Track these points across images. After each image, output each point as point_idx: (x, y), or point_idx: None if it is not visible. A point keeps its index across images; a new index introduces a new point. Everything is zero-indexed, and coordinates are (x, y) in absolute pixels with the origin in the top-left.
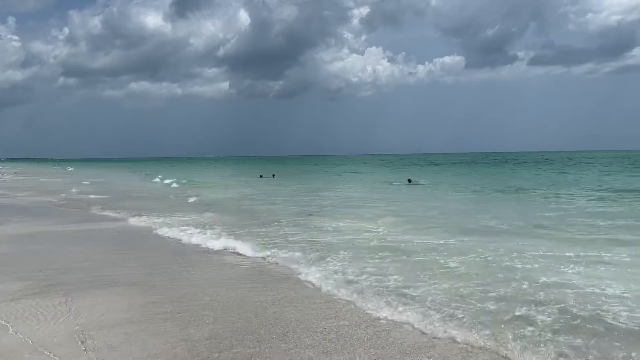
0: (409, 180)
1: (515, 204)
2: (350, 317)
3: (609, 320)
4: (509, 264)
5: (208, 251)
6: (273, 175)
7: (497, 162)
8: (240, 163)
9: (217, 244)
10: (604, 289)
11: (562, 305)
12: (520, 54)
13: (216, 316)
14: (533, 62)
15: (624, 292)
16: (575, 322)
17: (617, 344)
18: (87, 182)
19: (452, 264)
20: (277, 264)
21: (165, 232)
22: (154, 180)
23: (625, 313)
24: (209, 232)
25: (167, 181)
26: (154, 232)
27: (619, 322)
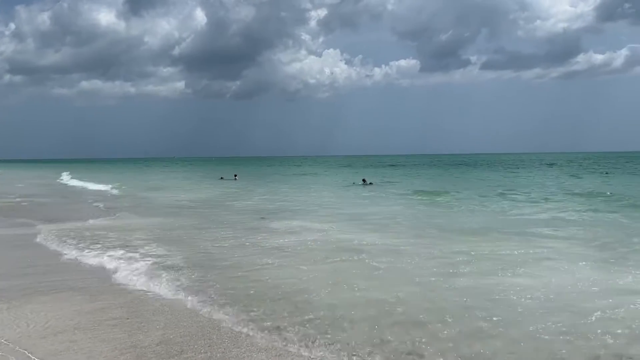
0: (364, 181)
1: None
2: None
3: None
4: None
5: None
6: (235, 177)
7: (451, 164)
8: (196, 164)
9: None
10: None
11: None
12: (473, 59)
13: (167, 321)
14: (485, 66)
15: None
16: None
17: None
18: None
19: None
20: None
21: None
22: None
23: None
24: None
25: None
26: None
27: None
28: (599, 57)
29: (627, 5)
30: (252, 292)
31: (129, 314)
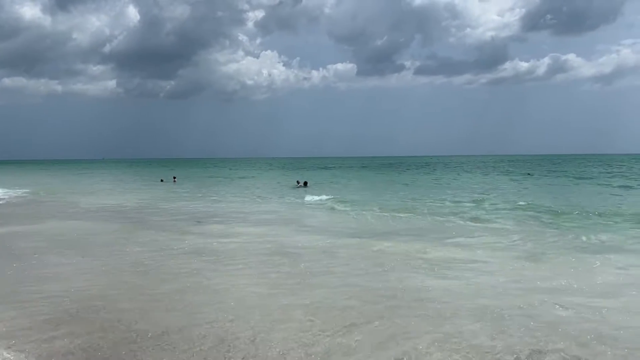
0: (305, 183)
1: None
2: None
3: None
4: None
5: None
6: (174, 179)
7: (383, 166)
8: (128, 166)
9: None
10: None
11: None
12: (407, 64)
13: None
14: (418, 71)
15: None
16: None
17: None
18: None
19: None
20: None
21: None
22: None
23: None
24: None
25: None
26: None
27: None
28: (524, 65)
29: (548, 16)
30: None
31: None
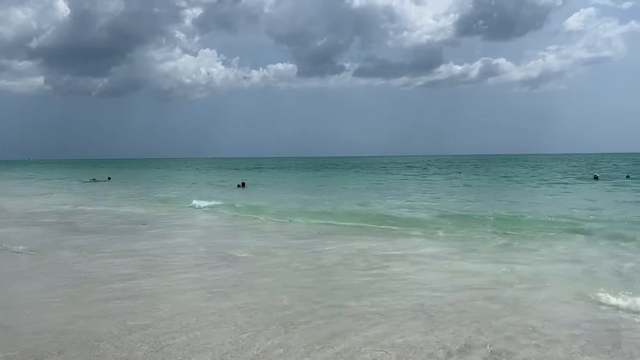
0: (242, 184)
1: None
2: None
3: None
4: None
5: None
6: (108, 179)
7: (320, 167)
8: (58, 166)
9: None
10: None
11: None
12: (347, 65)
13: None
14: (357, 73)
15: None
16: None
17: None
18: None
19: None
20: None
21: None
22: None
23: None
24: None
25: None
26: None
27: None
28: (458, 68)
29: (480, 22)
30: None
31: None
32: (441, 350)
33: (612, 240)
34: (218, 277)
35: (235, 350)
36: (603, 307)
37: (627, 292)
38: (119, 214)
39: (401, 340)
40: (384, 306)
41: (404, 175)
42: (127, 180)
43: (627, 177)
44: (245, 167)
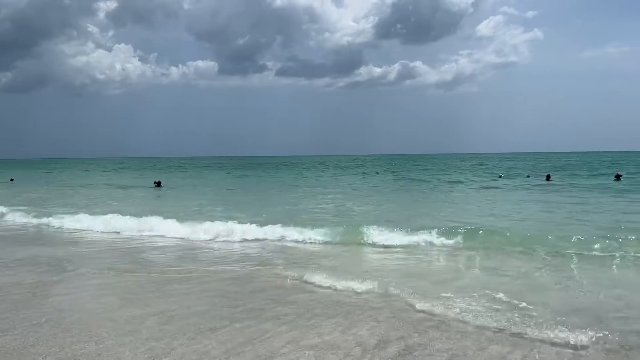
0: (158, 184)
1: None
2: None
3: None
4: None
5: None
6: (11, 180)
7: (237, 167)
8: None
9: None
10: None
11: None
12: (269, 64)
13: None
14: (280, 72)
15: None
16: None
17: None
18: None
19: None
20: None
21: None
22: None
23: None
24: None
25: None
26: None
27: None
28: (377, 70)
29: (398, 25)
30: None
31: None
32: (358, 347)
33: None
34: (132, 283)
35: (149, 359)
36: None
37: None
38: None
39: (319, 340)
40: (304, 306)
41: (319, 175)
42: (32, 182)
43: (527, 176)
44: (168, 167)
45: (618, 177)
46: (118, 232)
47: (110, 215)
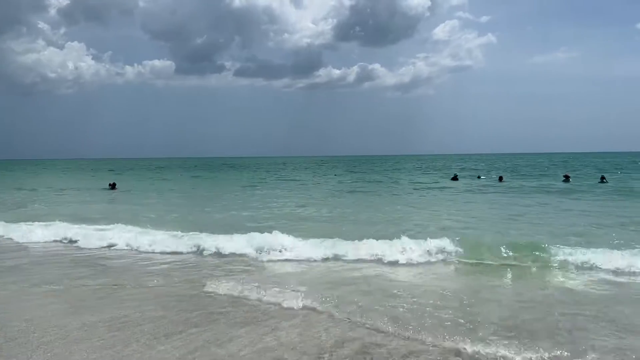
0: (113, 185)
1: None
2: None
3: None
4: None
5: None
6: None
7: (192, 168)
8: None
9: None
10: None
11: None
12: (228, 65)
13: None
14: (238, 73)
15: None
16: None
17: None
18: None
19: None
20: None
21: None
22: None
23: None
24: None
25: None
26: None
27: None
28: (336, 72)
29: (357, 28)
30: None
31: None
32: (315, 348)
33: None
34: (82, 291)
35: None
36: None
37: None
38: None
39: (277, 342)
40: (260, 310)
41: (277, 177)
42: None
43: (478, 177)
44: (124, 168)
45: (567, 178)
46: (68, 240)
47: (60, 223)
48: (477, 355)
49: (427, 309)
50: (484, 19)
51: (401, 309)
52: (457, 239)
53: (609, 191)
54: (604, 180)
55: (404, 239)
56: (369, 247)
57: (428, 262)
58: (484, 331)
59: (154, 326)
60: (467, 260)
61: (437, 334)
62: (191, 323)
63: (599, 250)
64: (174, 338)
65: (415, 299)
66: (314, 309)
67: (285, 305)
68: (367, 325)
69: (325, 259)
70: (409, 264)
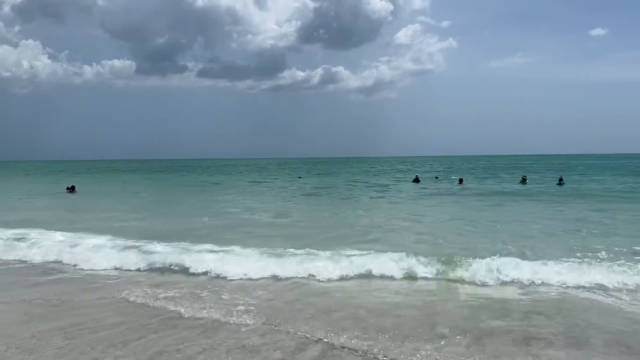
0: (73, 188)
1: None
2: None
3: None
4: None
5: None
6: None
7: (156, 171)
8: None
9: None
10: None
11: None
12: (190, 65)
13: None
14: (201, 74)
15: None
16: None
17: None
18: None
19: None
20: None
21: None
22: None
23: None
24: None
25: None
26: None
27: None
28: (300, 74)
29: (321, 30)
30: None
31: None
32: (277, 350)
33: None
34: (36, 299)
35: None
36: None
37: None
38: None
39: (237, 344)
40: (220, 314)
41: (238, 179)
42: None
43: (436, 177)
44: (87, 170)
45: (524, 179)
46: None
47: (20, 230)
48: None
49: None
50: (445, 23)
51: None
52: (372, 252)
53: (563, 194)
54: (562, 182)
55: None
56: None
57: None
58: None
59: (111, 333)
60: (378, 273)
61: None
62: (150, 329)
63: (507, 259)
64: (132, 345)
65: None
66: (268, 324)
67: (232, 321)
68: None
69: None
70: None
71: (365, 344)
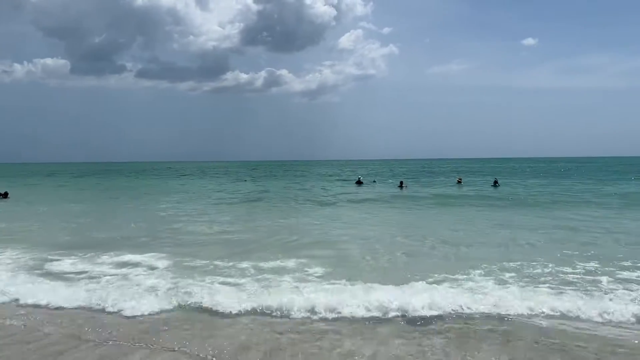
0: (3, 195)
1: None
2: None
3: None
4: None
5: None
6: None
7: (87, 174)
8: None
9: None
10: None
11: None
12: (129, 65)
13: None
14: (140, 74)
15: None
16: None
17: None
18: None
19: None
20: None
21: None
22: None
23: None
24: None
25: None
26: None
27: None
28: (244, 76)
29: (265, 33)
30: None
31: None
32: (250, 351)
33: None
34: None
35: None
36: None
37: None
38: None
39: (176, 348)
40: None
41: (179, 183)
42: None
43: (374, 181)
44: (19, 174)
45: (459, 182)
46: None
47: None
48: None
49: None
50: (386, 30)
51: None
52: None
53: (493, 197)
54: (497, 184)
55: None
56: None
57: None
58: None
59: (48, 341)
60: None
61: None
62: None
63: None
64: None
65: None
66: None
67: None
68: None
69: None
70: None
71: None
